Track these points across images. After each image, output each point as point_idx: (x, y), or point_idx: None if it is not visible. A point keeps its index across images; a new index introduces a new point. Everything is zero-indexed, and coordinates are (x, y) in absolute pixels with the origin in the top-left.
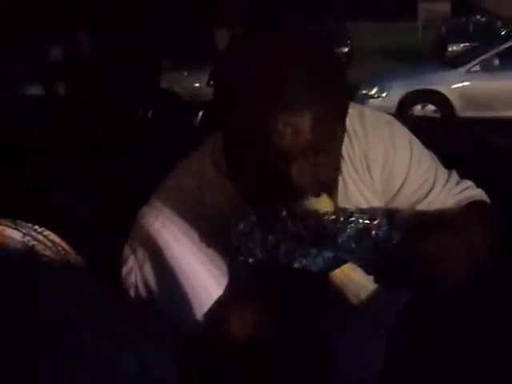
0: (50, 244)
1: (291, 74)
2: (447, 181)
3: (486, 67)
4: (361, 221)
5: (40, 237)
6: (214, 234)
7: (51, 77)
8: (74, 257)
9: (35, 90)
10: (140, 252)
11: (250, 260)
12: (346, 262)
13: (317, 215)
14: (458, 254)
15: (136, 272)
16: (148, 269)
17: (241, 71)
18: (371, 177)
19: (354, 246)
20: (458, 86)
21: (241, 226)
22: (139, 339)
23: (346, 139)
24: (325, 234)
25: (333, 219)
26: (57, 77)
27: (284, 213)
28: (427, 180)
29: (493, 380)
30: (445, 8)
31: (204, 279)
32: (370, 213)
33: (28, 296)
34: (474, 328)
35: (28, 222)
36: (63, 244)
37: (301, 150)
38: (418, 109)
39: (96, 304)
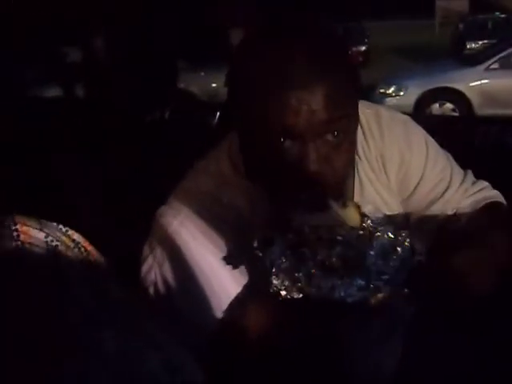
0: (72, 244)
1: (301, 55)
2: (463, 181)
3: (505, 64)
4: (386, 236)
5: (63, 237)
6: (232, 235)
7: (68, 79)
8: (96, 257)
9: (53, 92)
10: (159, 251)
11: (283, 293)
12: (379, 291)
13: (344, 236)
14: (486, 267)
15: (155, 270)
16: (167, 267)
17: (253, 57)
18: (387, 176)
19: (381, 263)
20: (476, 83)
21: (270, 255)
22: (163, 337)
23: (361, 139)
24: (354, 259)
25: (359, 235)
26: (74, 79)
27: (307, 228)
28: (443, 179)
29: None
30: (462, 5)
31: (223, 279)
32: (391, 219)
33: (49, 297)
34: (485, 330)
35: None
36: (86, 244)
37: (316, 129)
38: (435, 107)
39: (118, 303)
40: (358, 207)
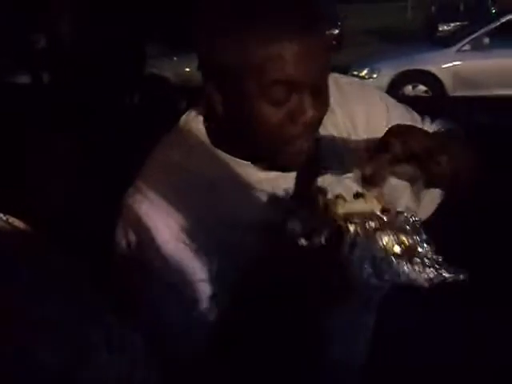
0: (6, 225)
1: (297, 6)
2: (423, 121)
3: (477, 46)
4: (406, 217)
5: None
6: (203, 207)
7: (37, 65)
8: (30, 232)
9: (21, 79)
10: (131, 236)
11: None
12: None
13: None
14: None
15: (128, 255)
16: (139, 252)
17: (245, 15)
18: (357, 135)
19: (418, 238)
20: (448, 65)
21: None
22: (104, 310)
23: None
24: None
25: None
26: (43, 65)
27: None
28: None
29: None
30: None
31: (192, 262)
32: None
33: None
34: (462, 304)
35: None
36: (23, 226)
37: (312, 78)
38: (408, 89)
39: (59, 274)
40: (382, 195)
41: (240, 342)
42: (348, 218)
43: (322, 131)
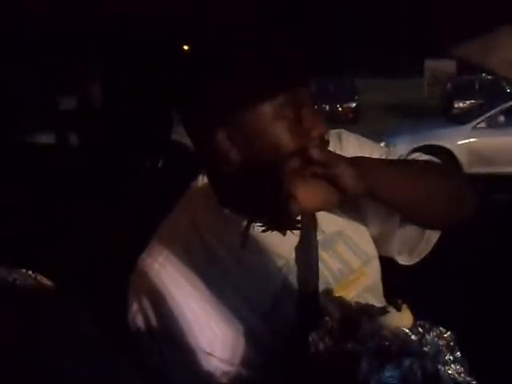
0: (34, 282)
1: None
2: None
3: (492, 124)
4: (436, 333)
5: (29, 280)
6: (214, 267)
7: (63, 127)
8: (60, 296)
9: (47, 139)
10: (142, 297)
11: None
12: None
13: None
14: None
15: (140, 317)
16: (151, 313)
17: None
18: None
19: (451, 357)
20: (464, 142)
21: (364, 366)
22: (129, 371)
23: None
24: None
25: (418, 333)
26: (69, 127)
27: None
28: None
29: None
30: (450, 66)
31: (203, 323)
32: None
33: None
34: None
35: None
36: (52, 285)
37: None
38: None
39: (87, 338)
40: (409, 308)
41: None
42: (367, 339)
43: None
